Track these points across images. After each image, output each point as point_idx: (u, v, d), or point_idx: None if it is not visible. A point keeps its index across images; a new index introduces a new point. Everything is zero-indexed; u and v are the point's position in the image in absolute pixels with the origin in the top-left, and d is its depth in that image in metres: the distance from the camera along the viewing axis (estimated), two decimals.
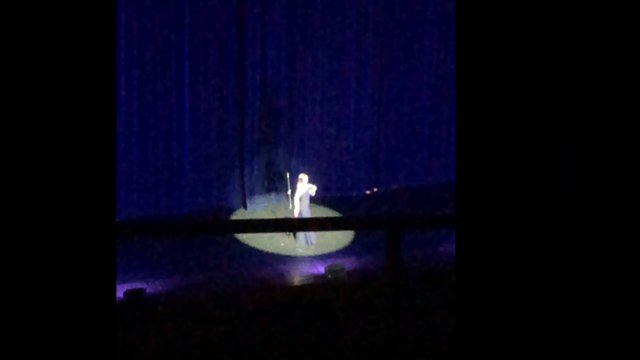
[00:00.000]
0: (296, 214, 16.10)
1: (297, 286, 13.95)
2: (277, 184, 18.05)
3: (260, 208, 17.98)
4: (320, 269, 14.85)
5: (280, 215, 17.35)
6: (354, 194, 19.04)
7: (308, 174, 16.64)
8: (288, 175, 17.24)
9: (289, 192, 17.09)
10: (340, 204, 18.22)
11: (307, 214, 16.16)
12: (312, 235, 16.11)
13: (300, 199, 16.27)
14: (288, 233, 16.27)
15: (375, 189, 19.31)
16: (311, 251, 15.93)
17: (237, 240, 15.97)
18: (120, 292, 12.99)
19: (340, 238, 16.23)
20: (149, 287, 13.70)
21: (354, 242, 16.13)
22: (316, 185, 16.56)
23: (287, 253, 15.83)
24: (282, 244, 16.06)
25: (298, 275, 14.94)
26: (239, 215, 17.71)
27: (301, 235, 15.99)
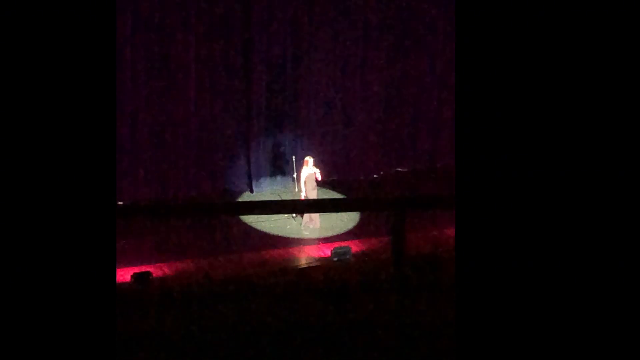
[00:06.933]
0: (303, 197, 16.14)
1: (303, 268, 13.99)
2: (283, 168, 18.07)
3: (266, 191, 18.02)
4: (327, 251, 14.90)
5: (286, 198, 17.38)
6: (360, 177, 19.04)
7: (313, 156, 16.66)
8: (294, 159, 17.26)
9: (295, 175, 17.13)
10: (346, 186, 18.23)
11: (312, 196, 16.19)
12: (315, 220, 16.13)
13: (305, 182, 16.31)
14: (294, 216, 16.31)
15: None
16: (317, 234, 15.97)
17: (244, 223, 16.01)
18: (127, 275, 13.07)
19: (346, 221, 16.26)
20: (156, 270, 13.76)
21: (360, 225, 16.15)
22: (321, 168, 16.58)
23: (293, 236, 15.88)
24: (289, 227, 16.10)
25: (304, 258, 14.99)
26: (245, 198, 17.75)
27: (306, 217, 16.07)
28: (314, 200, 15.54)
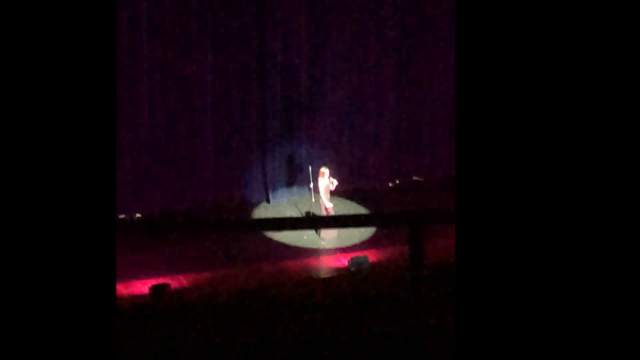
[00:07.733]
0: (324, 210, 16.14)
1: (321, 279, 13.99)
2: (299, 177, 18.07)
3: (282, 201, 18.02)
4: (344, 261, 14.89)
5: (302, 208, 17.39)
6: (376, 186, 19.01)
7: (328, 166, 16.66)
8: (310, 169, 17.26)
9: (311, 185, 17.12)
10: (362, 196, 18.22)
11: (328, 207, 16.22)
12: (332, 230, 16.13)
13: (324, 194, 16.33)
14: None
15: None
16: (334, 244, 15.96)
17: (261, 234, 16.02)
18: (145, 287, 13.11)
19: (363, 230, 16.24)
20: (173, 281, 13.79)
21: (377, 235, 16.13)
22: (337, 177, 16.59)
23: (310, 246, 15.88)
24: (306, 237, 16.10)
25: (322, 268, 14.98)
26: (261, 208, 17.76)
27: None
28: (331, 216, 15.56)
